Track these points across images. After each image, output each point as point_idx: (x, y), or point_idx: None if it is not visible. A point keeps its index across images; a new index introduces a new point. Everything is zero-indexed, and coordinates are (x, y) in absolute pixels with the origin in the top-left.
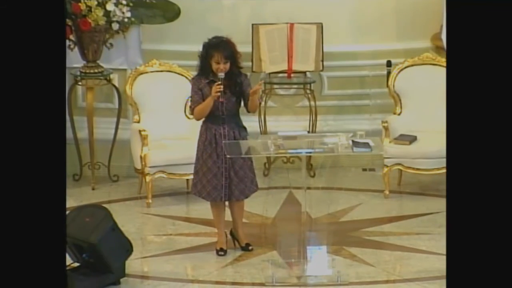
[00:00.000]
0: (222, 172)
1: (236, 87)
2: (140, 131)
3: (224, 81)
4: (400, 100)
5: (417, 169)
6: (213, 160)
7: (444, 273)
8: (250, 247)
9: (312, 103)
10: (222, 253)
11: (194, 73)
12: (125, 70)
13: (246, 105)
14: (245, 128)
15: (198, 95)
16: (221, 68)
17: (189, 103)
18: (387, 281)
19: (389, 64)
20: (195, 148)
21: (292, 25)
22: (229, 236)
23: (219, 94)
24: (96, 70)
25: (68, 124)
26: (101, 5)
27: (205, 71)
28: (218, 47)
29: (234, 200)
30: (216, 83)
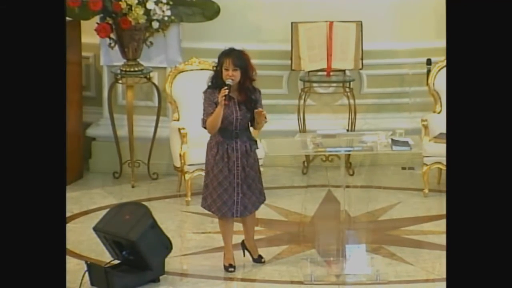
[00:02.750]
0: (234, 188)
1: (252, 103)
2: (179, 129)
3: (239, 96)
4: (440, 98)
5: None
6: (224, 175)
7: None
8: (262, 259)
9: (351, 101)
10: (232, 269)
11: None
12: (164, 68)
13: (253, 121)
14: (255, 141)
15: (212, 108)
16: (229, 74)
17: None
18: (426, 280)
19: (429, 62)
20: None
21: (331, 23)
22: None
23: (224, 97)
24: (136, 68)
25: (108, 122)
26: (142, 3)
27: (217, 83)
28: (229, 54)
29: (247, 213)
30: (224, 88)
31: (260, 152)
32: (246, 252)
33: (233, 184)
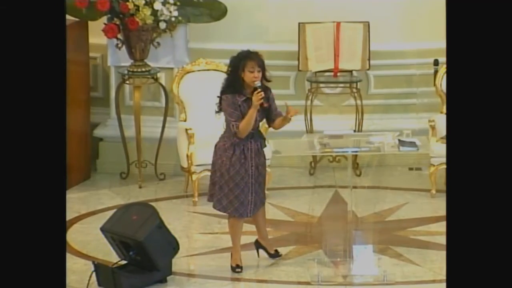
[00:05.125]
0: (249, 187)
1: (267, 102)
2: (186, 129)
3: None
4: None
5: None
6: (241, 175)
7: None
8: (279, 254)
9: (359, 102)
10: (239, 270)
11: None
12: (172, 69)
13: (271, 120)
14: (265, 139)
15: (238, 111)
16: (255, 76)
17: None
18: (433, 281)
19: (436, 63)
20: None
21: (338, 23)
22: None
23: (262, 100)
24: (143, 69)
25: (115, 122)
26: (149, 4)
27: (237, 87)
28: (251, 56)
29: (256, 210)
30: (256, 91)
31: (267, 153)
32: (260, 250)
33: (248, 184)
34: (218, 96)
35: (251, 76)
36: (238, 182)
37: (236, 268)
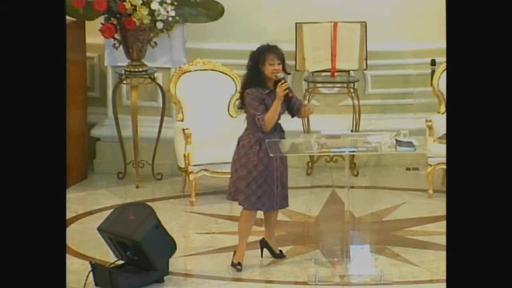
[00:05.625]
0: (274, 181)
1: (286, 96)
2: (183, 129)
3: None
4: (444, 99)
5: None
6: (269, 170)
7: None
8: (284, 254)
9: (356, 102)
10: (240, 267)
11: (238, 71)
12: (169, 68)
13: (294, 110)
14: (284, 132)
15: (262, 105)
16: (276, 68)
17: (231, 102)
18: (431, 281)
19: (433, 63)
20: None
21: (336, 23)
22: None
23: (287, 91)
24: (140, 69)
25: (112, 122)
26: (146, 4)
27: (259, 81)
28: (272, 49)
29: (285, 205)
30: (280, 82)
31: None
32: (265, 250)
33: (274, 177)
34: (239, 92)
35: (272, 68)
36: (266, 177)
37: (237, 265)
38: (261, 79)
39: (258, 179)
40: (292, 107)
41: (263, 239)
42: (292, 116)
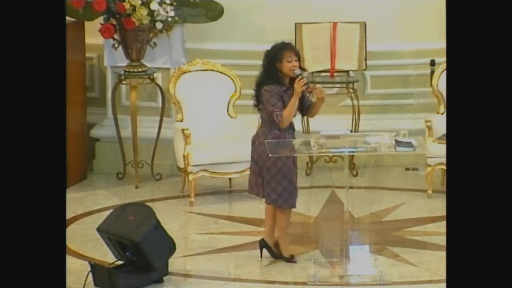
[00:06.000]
0: (293, 178)
1: (302, 95)
2: (183, 130)
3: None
4: (443, 99)
5: None
6: (288, 167)
7: None
8: (282, 255)
9: (355, 102)
10: (295, 260)
11: (237, 72)
12: (168, 69)
13: (305, 110)
14: (294, 129)
15: (281, 102)
16: (294, 64)
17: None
18: (430, 281)
19: (432, 63)
20: (238, 147)
21: (335, 24)
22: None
23: (305, 87)
24: (139, 69)
25: (112, 123)
26: (145, 4)
27: (276, 78)
28: (288, 47)
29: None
30: (298, 78)
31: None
32: (264, 251)
33: (293, 174)
34: (254, 90)
35: (290, 65)
36: (286, 173)
37: (292, 258)
38: (278, 76)
39: (278, 176)
40: (304, 106)
41: (262, 239)
42: (303, 116)
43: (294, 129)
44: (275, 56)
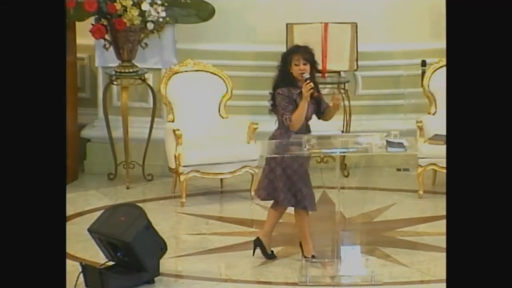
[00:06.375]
0: (309, 180)
1: (317, 97)
2: (174, 130)
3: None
4: (434, 100)
5: None
6: (304, 169)
7: None
8: (275, 256)
9: (346, 102)
10: (315, 259)
11: (228, 72)
12: (159, 69)
13: (321, 113)
14: (311, 132)
15: (292, 105)
16: (301, 68)
17: (222, 102)
18: (421, 282)
19: (423, 63)
20: (230, 147)
21: (326, 24)
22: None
23: (312, 91)
24: (131, 70)
25: (103, 123)
26: (136, 4)
27: (289, 81)
28: (297, 50)
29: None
30: (305, 82)
31: (255, 153)
32: (256, 250)
33: (308, 176)
34: (270, 93)
35: (297, 69)
36: (302, 175)
37: (312, 258)
38: (291, 79)
39: (293, 176)
40: (319, 109)
41: (257, 238)
42: (319, 118)
43: (310, 131)
44: (286, 59)
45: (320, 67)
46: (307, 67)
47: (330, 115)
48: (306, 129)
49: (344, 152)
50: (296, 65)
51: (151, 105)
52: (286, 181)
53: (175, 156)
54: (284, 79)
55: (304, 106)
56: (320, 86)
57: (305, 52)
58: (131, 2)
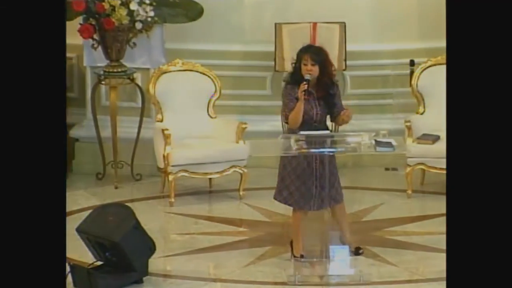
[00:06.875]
0: (313, 181)
1: (330, 98)
2: (163, 130)
3: (318, 91)
4: (423, 99)
5: (440, 168)
6: (302, 167)
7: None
8: (361, 251)
9: None
10: (304, 259)
11: (217, 72)
12: (148, 69)
13: (333, 117)
14: (328, 129)
15: (293, 103)
16: (308, 69)
17: (212, 101)
18: (409, 281)
19: (412, 63)
20: (218, 147)
21: (315, 24)
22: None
23: (303, 92)
24: (119, 69)
25: (91, 123)
26: (125, 4)
27: (297, 79)
28: (307, 50)
29: (324, 207)
30: (302, 83)
31: (243, 153)
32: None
33: (312, 177)
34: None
35: (304, 68)
36: (299, 174)
37: (301, 257)
38: (298, 78)
39: (291, 174)
40: (332, 111)
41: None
42: (331, 121)
43: (327, 129)
44: (297, 57)
45: (334, 70)
46: (315, 68)
47: (339, 123)
48: (317, 129)
49: (332, 152)
50: (304, 64)
51: (140, 105)
52: (284, 177)
53: (163, 156)
54: (293, 76)
55: (299, 106)
56: None
57: (314, 53)
58: (119, 2)
